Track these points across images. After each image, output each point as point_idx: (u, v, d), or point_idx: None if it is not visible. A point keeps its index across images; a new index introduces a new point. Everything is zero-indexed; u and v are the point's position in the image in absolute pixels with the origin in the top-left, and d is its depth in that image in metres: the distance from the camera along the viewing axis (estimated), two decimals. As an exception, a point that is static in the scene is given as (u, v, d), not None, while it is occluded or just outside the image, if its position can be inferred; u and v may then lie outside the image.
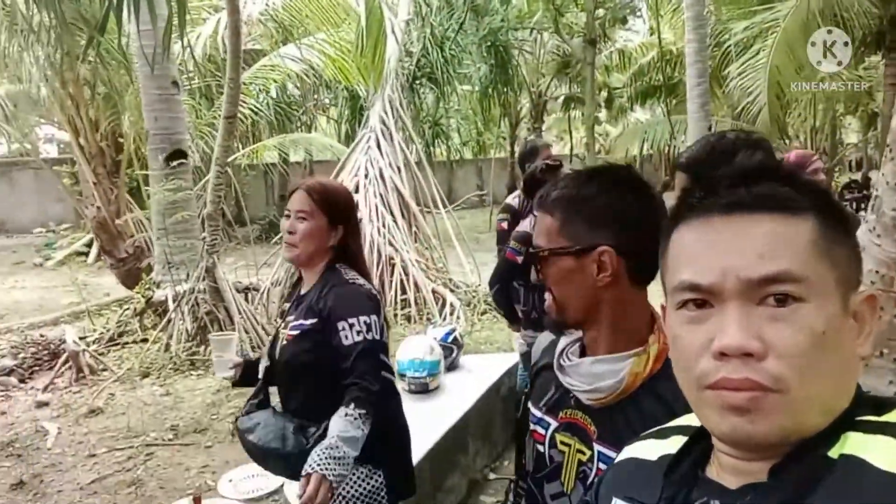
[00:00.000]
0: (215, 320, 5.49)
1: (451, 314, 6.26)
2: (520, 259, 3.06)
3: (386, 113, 7.66)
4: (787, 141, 13.65)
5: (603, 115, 21.03)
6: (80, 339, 5.66)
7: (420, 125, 14.63)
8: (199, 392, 4.65)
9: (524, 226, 3.20)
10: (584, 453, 1.05)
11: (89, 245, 11.19)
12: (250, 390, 2.09)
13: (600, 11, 16.56)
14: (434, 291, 6.60)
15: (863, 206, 13.25)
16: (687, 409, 0.74)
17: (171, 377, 4.96)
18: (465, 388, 3.52)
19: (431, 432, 2.94)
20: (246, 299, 6.50)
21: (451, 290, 6.82)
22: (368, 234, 6.72)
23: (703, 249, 0.61)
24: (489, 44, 14.87)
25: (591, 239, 1.01)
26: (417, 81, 13.37)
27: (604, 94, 19.95)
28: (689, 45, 9.59)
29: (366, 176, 7.19)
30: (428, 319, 6.12)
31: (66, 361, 5.01)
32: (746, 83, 9.52)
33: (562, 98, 20.93)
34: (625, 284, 1.02)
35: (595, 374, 1.02)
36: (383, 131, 7.56)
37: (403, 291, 6.47)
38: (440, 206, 7.54)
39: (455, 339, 3.83)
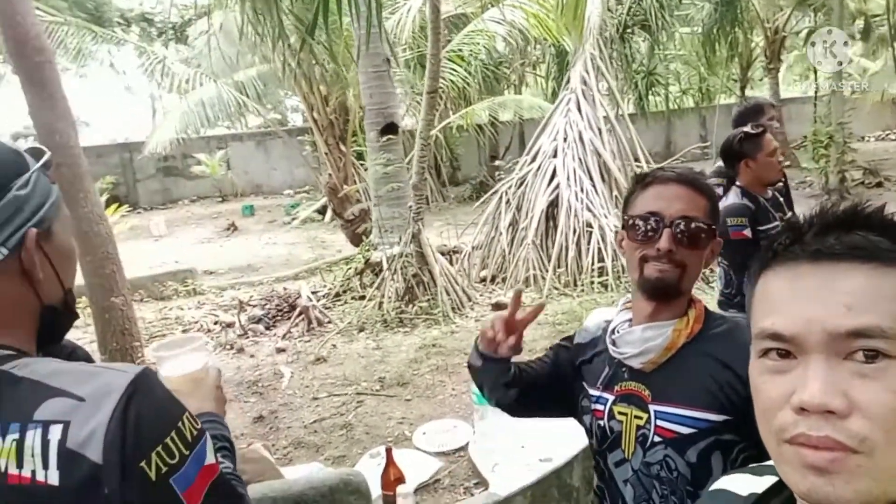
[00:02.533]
0: (420, 282, 6.00)
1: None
2: (747, 233, 2.77)
3: (587, 72, 7.47)
4: None
5: (857, 48, 18.01)
6: (313, 293, 6.56)
7: (633, 76, 13.97)
8: (404, 348, 5.17)
9: (730, 199, 2.97)
10: (640, 418, 1.18)
11: (326, 206, 12.70)
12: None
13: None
14: (632, 258, 6.43)
15: None
16: (736, 364, 1.01)
17: (381, 332, 5.56)
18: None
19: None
20: (450, 262, 6.95)
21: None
22: (566, 199, 6.73)
23: (787, 298, 0.59)
24: (719, -22, 13.53)
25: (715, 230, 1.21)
26: (629, 30, 12.75)
27: (859, 23, 17.03)
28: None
29: (564, 139, 7.14)
30: (626, 289, 6.02)
31: (300, 314, 5.87)
32: None
33: (804, 32, 18.32)
34: None
35: (645, 339, 1.19)
36: (584, 91, 7.40)
37: (601, 259, 6.41)
38: (644, 162, 7.24)
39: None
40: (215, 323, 6.07)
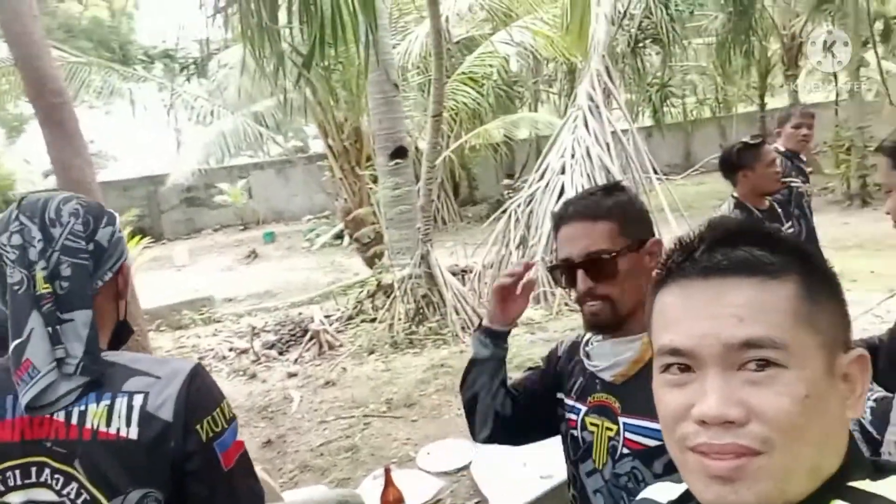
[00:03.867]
0: (430, 303, 6.04)
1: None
2: None
3: (594, 88, 7.50)
4: None
5: (879, 51, 17.75)
6: (326, 317, 6.64)
7: (647, 90, 13.95)
8: (412, 369, 5.20)
9: (722, 210, 2.97)
10: (611, 429, 1.20)
11: (343, 231, 12.84)
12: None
13: (868, -72, 13.94)
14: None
15: None
16: None
17: (391, 354, 5.60)
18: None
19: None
20: (462, 282, 6.99)
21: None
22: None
23: (682, 314, 0.62)
24: (727, -11, 13.50)
25: (643, 233, 1.24)
26: (640, 45, 12.76)
27: (878, 25, 16.82)
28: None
29: (572, 156, 7.16)
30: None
31: (311, 338, 5.94)
32: None
33: (822, 38, 18.14)
34: None
35: (615, 352, 1.21)
36: (591, 108, 7.42)
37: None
38: (652, 174, 7.21)
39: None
40: (230, 349, 6.17)
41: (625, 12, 8.99)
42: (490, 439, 1.42)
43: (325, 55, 4.78)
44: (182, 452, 0.95)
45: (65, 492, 0.93)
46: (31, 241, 0.96)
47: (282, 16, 4.92)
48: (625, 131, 7.54)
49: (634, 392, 1.17)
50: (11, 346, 0.95)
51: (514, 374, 1.44)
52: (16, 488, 0.94)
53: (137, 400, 0.95)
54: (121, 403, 0.94)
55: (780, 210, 3.27)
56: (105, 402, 0.94)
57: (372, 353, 5.71)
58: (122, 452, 0.93)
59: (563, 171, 7.10)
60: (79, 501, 0.93)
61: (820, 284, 0.61)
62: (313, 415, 4.58)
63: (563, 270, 1.24)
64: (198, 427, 0.96)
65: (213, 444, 0.97)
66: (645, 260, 1.22)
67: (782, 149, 3.74)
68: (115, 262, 1.05)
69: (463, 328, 5.89)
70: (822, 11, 16.52)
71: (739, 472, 0.56)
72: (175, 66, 19.01)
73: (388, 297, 6.45)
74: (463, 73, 9.93)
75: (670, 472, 1.11)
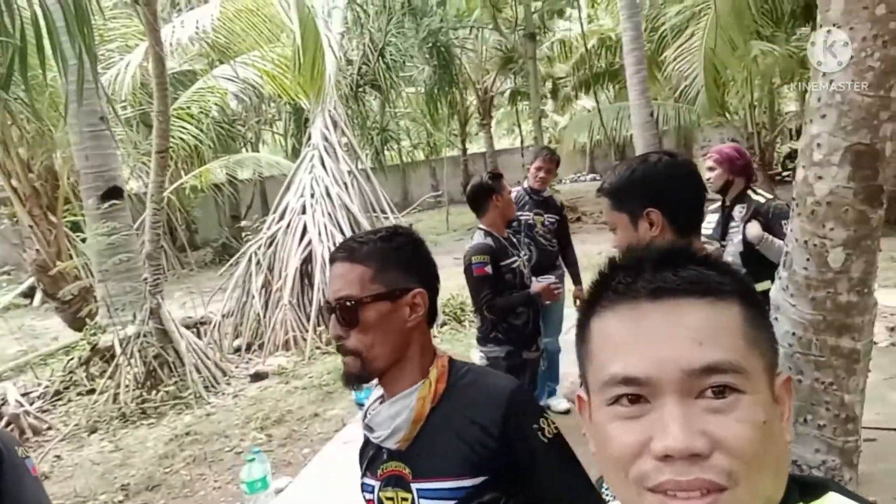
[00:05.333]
0: (164, 363, 5.30)
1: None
2: (488, 269, 3.00)
3: (328, 128, 7.52)
4: (728, 116, 13.95)
5: (549, 105, 21.18)
6: (24, 395, 5.40)
7: (368, 133, 14.53)
8: (150, 444, 4.46)
9: (476, 239, 3.13)
10: (406, 499, 1.12)
11: (34, 288, 10.77)
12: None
13: (538, 4, 16.62)
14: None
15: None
16: (481, 417, 1.05)
17: (120, 430, 4.75)
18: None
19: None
20: (198, 335, 6.31)
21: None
22: (319, 254, 6.58)
23: (633, 339, 0.56)
24: (430, 45, 14.82)
25: (405, 282, 1.13)
26: (361, 89, 13.29)
27: (548, 84, 20.08)
28: (625, 34, 9.65)
29: (312, 195, 7.04)
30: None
31: (7, 424, 4.76)
32: (684, 66, 9.63)
33: (508, 92, 20.98)
34: (425, 324, 1.16)
35: (392, 416, 1.12)
36: (326, 147, 7.41)
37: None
38: (391, 211, 7.44)
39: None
40: None
41: (344, 56, 9.25)
42: None
43: (27, 78, 3.93)
44: None
45: None
46: None
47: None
48: (361, 170, 7.70)
49: (421, 453, 1.11)
50: None
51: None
52: None
53: None
54: None
55: (514, 238, 3.62)
56: None
57: (94, 431, 4.78)
58: None
59: (303, 211, 6.93)
60: None
61: (758, 306, 0.59)
62: (21, 522, 3.61)
63: (327, 313, 1.16)
64: None
65: None
66: (404, 311, 1.12)
67: (527, 186, 4.13)
68: None
69: (207, 387, 5.28)
70: (508, 70, 19.18)
71: None
72: None
73: (109, 362, 5.51)
74: (180, 108, 9.16)
75: None
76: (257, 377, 5.63)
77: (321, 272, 6.45)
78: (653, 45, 11.17)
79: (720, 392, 0.53)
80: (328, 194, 7.06)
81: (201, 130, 9.79)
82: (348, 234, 6.96)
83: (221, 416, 4.71)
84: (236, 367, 5.95)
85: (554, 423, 1.11)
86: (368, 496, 1.19)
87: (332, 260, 1.15)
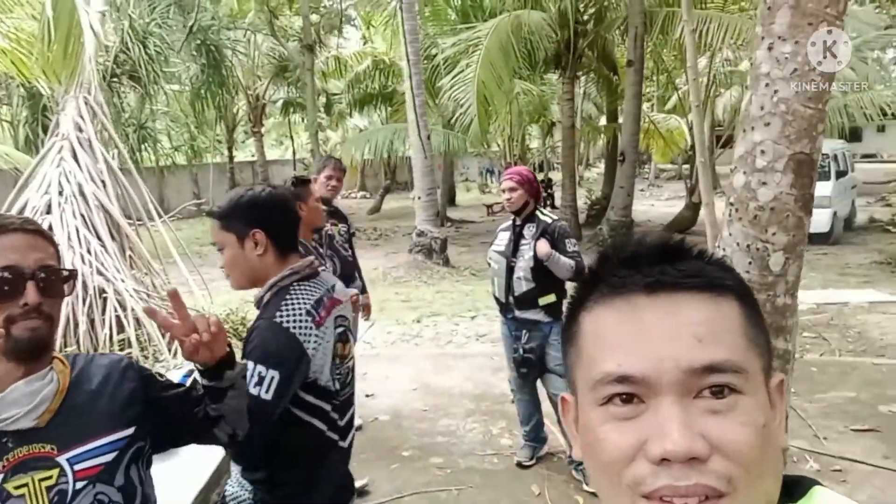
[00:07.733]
0: None
1: (183, 346, 5.58)
2: None
3: (83, 118, 6.54)
4: (486, 146, 15.28)
5: (324, 120, 21.12)
6: None
7: (122, 129, 13.00)
8: None
9: None
10: (49, 477, 1.09)
11: None
12: None
13: (315, 17, 16.54)
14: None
15: (548, 203, 15.40)
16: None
17: None
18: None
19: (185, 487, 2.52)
20: None
21: (180, 319, 6.09)
22: (70, 263, 5.66)
23: (629, 335, 0.52)
24: (199, 42, 13.85)
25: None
26: (116, 79, 11.87)
27: (322, 99, 20.02)
28: (410, 58, 10.05)
29: (60, 193, 6.05)
30: (156, 359, 5.39)
31: None
32: (459, 95, 10.29)
33: (281, 102, 20.45)
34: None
35: (34, 391, 1.09)
36: (80, 139, 6.44)
37: (121, 329, 5.59)
38: (154, 217, 6.70)
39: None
40: None
41: (100, 43, 8.18)
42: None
43: None
44: None
45: None
46: None
47: None
48: (123, 169, 6.85)
49: (67, 422, 1.12)
50: None
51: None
52: None
53: None
54: None
55: (320, 247, 3.53)
56: None
57: None
58: None
59: (48, 211, 5.92)
60: None
61: (754, 304, 0.57)
62: None
63: (3, 280, 1.11)
64: None
65: None
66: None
67: (317, 195, 4.01)
68: None
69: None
70: (283, 79, 18.71)
71: None
72: None
73: None
74: None
75: (129, 478, 1.15)
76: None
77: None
78: (427, 73, 11.76)
79: (719, 392, 0.50)
80: (81, 192, 6.13)
81: None
82: (106, 238, 6.11)
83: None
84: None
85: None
86: None
87: (14, 230, 1.13)
